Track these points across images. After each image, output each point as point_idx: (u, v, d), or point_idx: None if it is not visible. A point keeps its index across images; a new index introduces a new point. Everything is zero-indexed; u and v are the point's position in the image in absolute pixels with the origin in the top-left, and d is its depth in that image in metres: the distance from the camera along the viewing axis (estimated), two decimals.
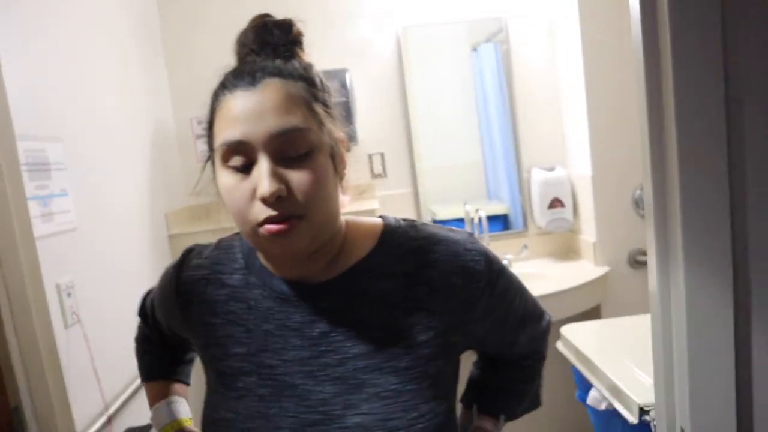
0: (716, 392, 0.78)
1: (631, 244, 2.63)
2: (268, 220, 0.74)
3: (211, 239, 2.79)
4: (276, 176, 0.73)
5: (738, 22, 0.72)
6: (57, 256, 1.59)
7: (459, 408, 1.08)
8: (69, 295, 1.62)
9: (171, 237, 2.60)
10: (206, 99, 2.63)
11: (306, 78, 0.80)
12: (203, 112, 2.75)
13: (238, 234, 0.94)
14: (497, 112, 2.93)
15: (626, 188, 2.59)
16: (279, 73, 0.78)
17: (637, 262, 2.62)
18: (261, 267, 0.88)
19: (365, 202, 2.72)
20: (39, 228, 1.45)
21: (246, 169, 0.75)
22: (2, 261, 1.04)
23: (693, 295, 0.77)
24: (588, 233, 2.73)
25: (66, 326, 1.59)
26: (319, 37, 2.79)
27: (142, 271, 2.30)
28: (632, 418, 1.41)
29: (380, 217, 0.92)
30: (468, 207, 2.87)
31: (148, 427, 1.87)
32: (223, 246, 0.95)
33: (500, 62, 2.89)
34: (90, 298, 1.74)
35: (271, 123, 0.74)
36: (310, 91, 0.79)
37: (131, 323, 2.10)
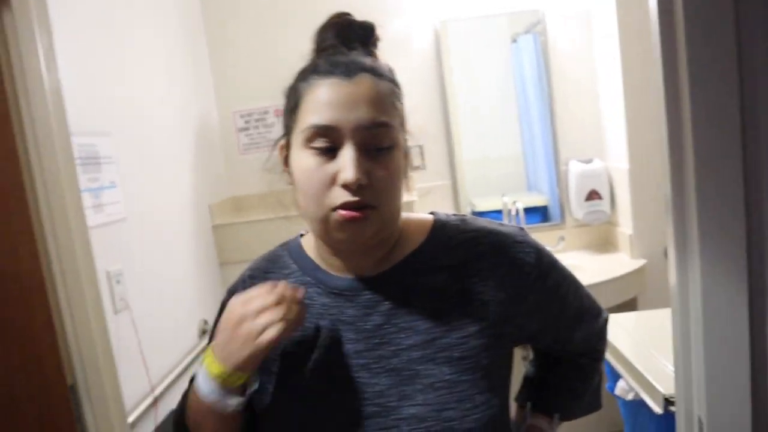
0: (732, 382, 0.79)
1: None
2: (345, 206, 0.76)
3: (253, 230, 2.88)
4: (360, 165, 0.76)
5: (749, 17, 0.74)
6: (107, 245, 1.67)
7: (513, 407, 1.06)
8: (118, 282, 1.71)
9: (215, 227, 2.69)
10: (249, 93, 2.69)
11: (392, 79, 0.84)
12: (246, 106, 2.84)
13: (281, 246, 0.98)
14: (536, 104, 2.93)
15: (663, 181, 2.56)
16: (372, 71, 0.80)
17: None
18: (314, 266, 0.90)
19: (404, 194, 2.76)
20: (90, 218, 1.53)
21: (329, 153, 0.77)
22: (59, 250, 1.11)
23: (709, 289, 0.79)
24: (625, 225, 2.72)
25: (115, 312, 1.68)
26: None
27: (187, 260, 2.39)
28: (658, 408, 1.42)
29: (431, 213, 0.93)
30: (506, 198, 2.88)
31: None
32: (270, 257, 0.97)
33: (539, 54, 2.89)
34: (137, 285, 1.83)
35: (363, 114, 0.77)
36: (394, 92, 0.83)
37: (175, 310, 2.19)
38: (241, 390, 0.81)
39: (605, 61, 2.71)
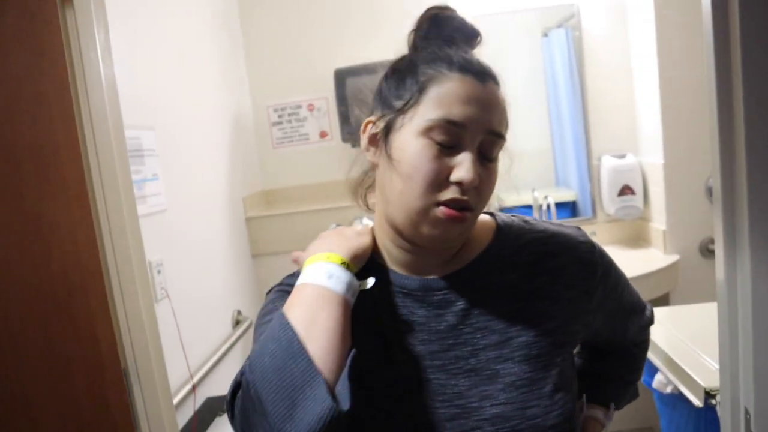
0: None
1: (702, 233, 2.59)
2: (452, 203, 0.76)
3: (284, 223, 2.92)
4: (477, 167, 0.76)
5: None
6: (149, 236, 1.71)
7: None
8: (159, 272, 1.76)
9: (248, 219, 2.74)
10: (283, 88, 2.71)
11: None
12: (279, 100, 2.86)
13: None
14: (567, 99, 2.92)
15: (698, 176, 2.54)
16: (496, 80, 0.81)
17: (709, 251, 2.58)
18: (380, 265, 0.88)
19: None
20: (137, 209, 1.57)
21: (447, 148, 0.76)
22: (113, 238, 1.15)
23: (759, 282, 0.79)
24: (658, 221, 2.70)
25: (156, 300, 1.72)
26: (390, 26, 2.85)
27: (222, 251, 2.44)
28: (698, 402, 1.42)
29: (488, 213, 0.93)
30: (536, 194, 2.88)
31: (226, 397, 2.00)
32: None
33: (571, 48, 2.87)
34: (177, 275, 1.88)
35: (492, 121, 0.78)
36: (506, 105, 0.83)
37: (211, 300, 2.24)
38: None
39: (640, 54, 2.69)
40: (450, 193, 0.76)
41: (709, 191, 2.56)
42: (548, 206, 2.78)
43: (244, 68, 2.96)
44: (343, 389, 0.71)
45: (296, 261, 0.88)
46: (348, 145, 2.85)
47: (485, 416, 0.79)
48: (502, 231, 0.89)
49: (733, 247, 0.83)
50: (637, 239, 2.90)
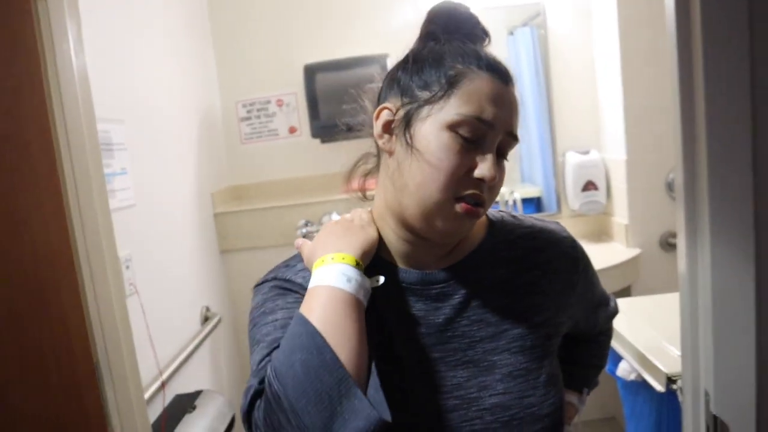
0: (738, 358, 0.84)
1: (662, 227, 2.66)
2: (470, 197, 0.77)
3: (252, 218, 2.91)
4: (496, 166, 0.78)
5: (764, 12, 0.78)
6: (118, 231, 1.69)
7: None
8: (127, 267, 1.74)
9: (216, 215, 2.72)
10: (252, 83, 2.70)
11: None
12: (248, 96, 2.84)
13: None
14: (533, 97, 2.97)
15: (659, 172, 2.62)
16: (514, 82, 0.82)
17: (668, 244, 2.66)
18: (380, 258, 0.87)
19: None
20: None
21: (472, 144, 0.77)
22: (85, 232, 1.14)
23: (718, 273, 0.84)
24: (620, 216, 2.78)
25: (125, 296, 1.70)
26: (361, 23, 2.86)
27: (190, 247, 2.42)
28: (660, 387, 1.48)
29: None
30: (502, 189, 2.92)
31: (196, 394, 1.99)
32: None
33: (537, 46, 2.92)
34: (145, 271, 1.86)
35: (513, 123, 0.80)
36: None
37: (179, 296, 2.22)
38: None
39: (604, 53, 2.75)
40: (470, 189, 0.77)
41: (670, 186, 2.64)
42: (514, 201, 2.83)
43: (213, 63, 2.94)
44: (380, 399, 0.71)
45: (299, 248, 0.88)
46: (317, 141, 2.85)
47: (485, 406, 0.82)
48: (495, 226, 0.92)
49: (694, 240, 0.87)
50: (601, 233, 2.98)
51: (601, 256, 2.62)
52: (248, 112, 2.95)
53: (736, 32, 0.79)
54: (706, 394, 0.88)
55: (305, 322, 0.73)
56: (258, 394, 0.73)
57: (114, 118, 1.77)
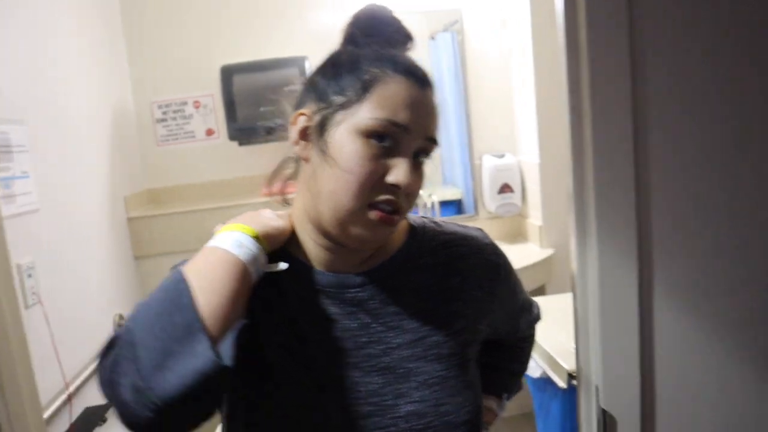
0: (623, 355, 0.89)
1: None
2: (385, 204, 0.76)
3: (168, 223, 2.83)
4: (411, 172, 0.76)
5: (643, 26, 0.83)
6: (18, 237, 1.61)
7: None
8: (30, 275, 1.66)
9: (130, 220, 2.63)
10: (167, 84, 2.63)
11: None
12: (164, 96, 2.76)
13: None
14: (453, 101, 3.03)
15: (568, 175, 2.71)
16: (432, 86, 0.81)
17: None
18: (297, 260, 0.85)
19: None
20: (1, 209, 1.48)
21: (387, 150, 0.76)
22: None
23: (605, 274, 0.88)
24: (535, 217, 2.87)
25: (26, 306, 1.62)
26: (281, 24, 2.83)
27: (101, 253, 2.33)
28: (562, 383, 1.54)
29: None
30: (421, 192, 2.95)
31: (107, 406, 1.92)
32: None
33: (456, 52, 2.98)
34: (50, 279, 1.78)
35: (431, 127, 0.79)
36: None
37: (89, 304, 2.14)
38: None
39: (519, 60, 2.83)
40: (383, 195, 0.76)
41: None
42: (432, 204, 2.88)
43: (125, 62, 2.83)
44: (226, 349, 0.70)
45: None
46: (235, 144, 2.80)
47: (400, 414, 0.81)
48: (416, 232, 0.90)
49: (584, 242, 0.91)
50: (516, 235, 3.06)
51: (517, 256, 2.70)
52: (164, 113, 2.87)
53: (619, 50, 0.83)
54: (597, 389, 0.92)
55: (178, 272, 0.73)
56: (116, 339, 0.71)
57: (13, 118, 1.68)
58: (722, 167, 0.86)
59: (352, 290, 0.84)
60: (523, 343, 1.16)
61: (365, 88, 0.76)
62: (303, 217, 0.85)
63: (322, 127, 0.79)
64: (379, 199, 0.76)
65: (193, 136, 2.90)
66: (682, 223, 0.87)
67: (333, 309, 0.84)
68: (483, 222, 3.05)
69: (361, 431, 0.81)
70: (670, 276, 0.88)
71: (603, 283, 0.88)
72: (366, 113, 0.75)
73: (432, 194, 2.90)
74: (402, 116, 0.75)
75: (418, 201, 2.98)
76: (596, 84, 0.83)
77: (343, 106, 0.77)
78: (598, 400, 0.92)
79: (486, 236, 0.96)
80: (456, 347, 0.86)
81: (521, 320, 1.09)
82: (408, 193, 0.78)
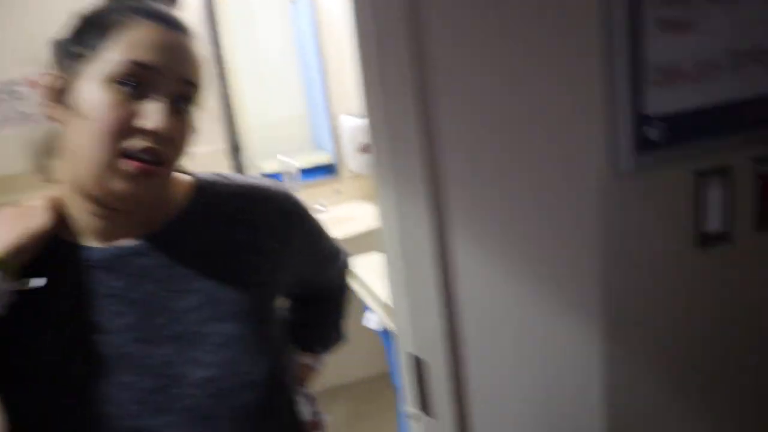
0: (425, 302, 0.94)
1: None
2: (142, 153, 0.71)
3: None
4: (167, 117, 0.72)
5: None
6: None
7: None
8: None
9: None
10: None
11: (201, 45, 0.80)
12: None
13: None
14: (314, 64, 3.02)
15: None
16: (189, 32, 0.78)
17: None
18: (66, 242, 0.80)
19: None
20: None
21: (135, 94, 0.71)
22: None
23: (403, 226, 0.94)
24: None
25: None
26: None
27: None
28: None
29: (184, 173, 0.88)
30: (283, 158, 2.93)
31: None
32: None
33: (314, 14, 2.95)
34: None
35: (186, 69, 0.75)
36: (204, 58, 0.80)
37: None
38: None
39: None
40: (138, 143, 0.71)
41: None
42: (296, 170, 2.88)
43: None
44: None
45: None
46: None
47: (194, 381, 0.78)
48: (202, 189, 0.87)
49: (386, 195, 0.95)
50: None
51: (376, 215, 2.75)
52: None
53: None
54: (407, 337, 0.97)
55: None
56: None
57: None
58: (508, 108, 0.93)
59: (135, 259, 0.79)
60: (335, 293, 1.16)
61: (106, 36, 0.73)
62: (69, 187, 0.79)
63: (69, 84, 0.74)
64: (134, 147, 0.71)
65: None
66: (473, 167, 0.93)
67: (116, 284, 0.79)
68: (346, 182, 3.08)
69: (157, 405, 0.78)
70: (467, 221, 0.94)
71: (402, 234, 0.93)
72: (109, 59, 0.72)
73: (293, 160, 2.89)
74: (148, 57, 0.72)
75: (282, 168, 2.94)
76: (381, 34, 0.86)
77: (87, 58, 0.73)
78: (409, 347, 0.97)
79: (279, 185, 0.93)
80: (253, 303, 0.83)
81: (328, 270, 1.08)
82: (169, 140, 0.73)
